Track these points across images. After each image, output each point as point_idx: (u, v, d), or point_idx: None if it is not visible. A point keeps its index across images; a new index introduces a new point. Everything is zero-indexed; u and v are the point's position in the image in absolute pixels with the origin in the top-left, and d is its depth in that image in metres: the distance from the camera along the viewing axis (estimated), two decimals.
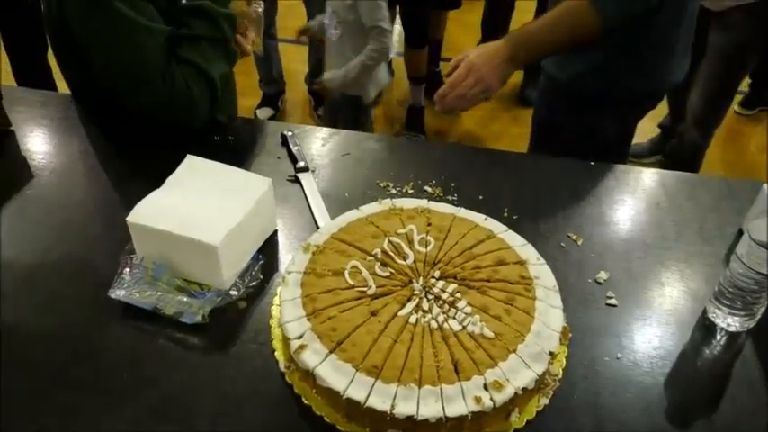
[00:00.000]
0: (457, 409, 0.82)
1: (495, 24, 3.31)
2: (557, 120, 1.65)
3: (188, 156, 1.15)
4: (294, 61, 3.43)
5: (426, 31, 2.95)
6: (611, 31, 1.34)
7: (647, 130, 2.91)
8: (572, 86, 1.55)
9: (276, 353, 0.95)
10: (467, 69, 1.36)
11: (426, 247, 1.05)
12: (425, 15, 2.92)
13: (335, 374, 0.86)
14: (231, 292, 1.03)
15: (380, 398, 0.83)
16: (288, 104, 3.40)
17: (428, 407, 0.83)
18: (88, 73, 1.32)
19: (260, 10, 1.43)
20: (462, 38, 3.56)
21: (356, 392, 0.84)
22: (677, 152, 2.67)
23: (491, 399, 0.83)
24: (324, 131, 1.42)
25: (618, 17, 1.33)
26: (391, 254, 1.03)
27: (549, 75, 1.62)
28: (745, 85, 3.11)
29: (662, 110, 2.87)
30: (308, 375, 0.88)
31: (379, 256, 1.02)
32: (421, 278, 1.00)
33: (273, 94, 3.31)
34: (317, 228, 1.14)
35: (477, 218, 1.11)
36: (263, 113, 3.24)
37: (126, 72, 1.25)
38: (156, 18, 1.24)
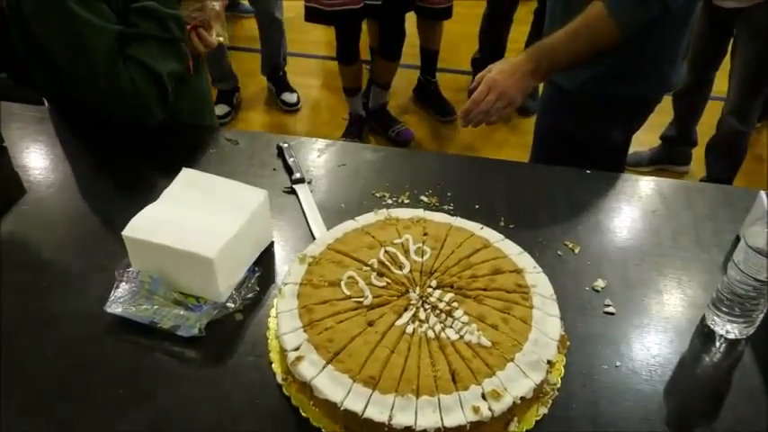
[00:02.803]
0: (455, 419, 0.82)
1: (493, 36, 3.32)
2: (563, 128, 1.65)
3: (183, 169, 1.15)
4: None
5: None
6: (630, 38, 1.34)
7: (646, 140, 2.91)
8: (580, 94, 1.56)
9: (273, 365, 0.95)
10: (488, 86, 1.38)
11: (422, 257, 1.04)
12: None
13: (332, 386, 0.85)
14: (228, 305, 1.03)
15: (378, 409, 0.83)
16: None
17: (426, 417, 0.82)
18: (41, 63, 1.38)
19: (217, 6, 1.48)
20: (460, 49, 3.57)
21: (354, 404, 0.83)
22: (718, 142, 2.70)
23: (489, 408, 0.83)
24: (320, 143, 1.42)
25: (636, 24, 1.34)
26: (387, 264, 1.03)
27: (554, 83, 1.62)
28: None
29: (664, 120, 2.88)
30: (306, 387, 0.87)
31: (376, 266, 1.02)
32: (417, 288, 1.00)
33: (228, 91, 3.31)
34: (314, 239, 1.14)
35: (474, 227, 1.11)
36: (219, 110, 3.20)
37: (73, 68, 1.31)
38: (109, 17, 1.29)
